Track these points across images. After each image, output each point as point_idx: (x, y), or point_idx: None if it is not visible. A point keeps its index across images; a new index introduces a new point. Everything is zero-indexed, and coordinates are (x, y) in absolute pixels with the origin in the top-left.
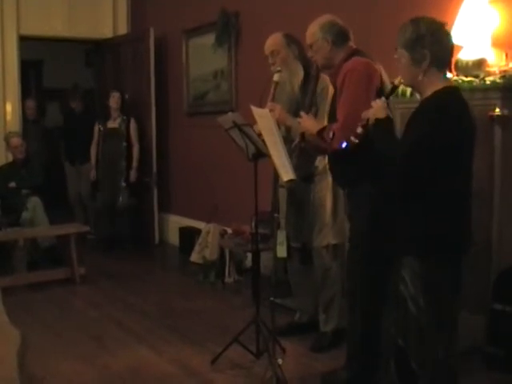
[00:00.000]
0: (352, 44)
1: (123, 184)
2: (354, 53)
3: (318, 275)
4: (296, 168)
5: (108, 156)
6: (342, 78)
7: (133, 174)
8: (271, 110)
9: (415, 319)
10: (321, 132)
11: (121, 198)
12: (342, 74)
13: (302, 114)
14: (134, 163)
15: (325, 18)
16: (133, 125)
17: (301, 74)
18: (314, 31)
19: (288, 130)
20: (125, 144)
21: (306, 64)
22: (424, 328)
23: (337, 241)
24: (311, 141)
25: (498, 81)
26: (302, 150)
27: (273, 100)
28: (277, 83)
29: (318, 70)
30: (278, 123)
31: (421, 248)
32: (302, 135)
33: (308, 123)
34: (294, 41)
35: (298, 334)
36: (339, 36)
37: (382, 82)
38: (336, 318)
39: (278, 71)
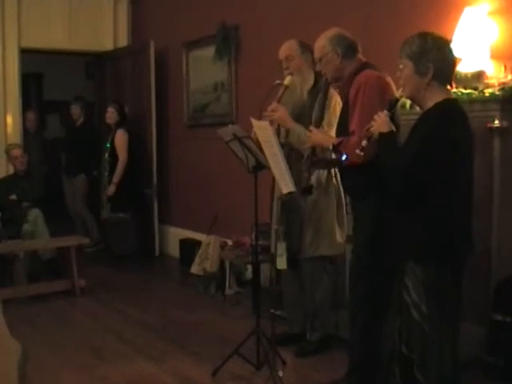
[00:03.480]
0: (361, 56)
1: (105, 198)
2: (365, 66)
3: (307, 286)
4: (306, 180)
5: (100, 169)
6: (354, 91)
7: (110, 188)
8: (274, 111)
9: (419, 326)
10: (337, 146)
11: (103, 212)
12: (354, 86)
13: (312, 128)
14: (114, 177)
15: (333, 31)
16: (118, 136)
17: (311, 81)
18: (322, 45)
19: (287, 134)
20: (108, 158)
21: (317, 73)
22: (428, 334)
23: (328, 252)
24: (321, 155)
25: (497, 93)
26: (313, 164)
27: (279, 102)
28: (286, 87)
29: (328, 84)
30: (279, 124)
31: (422, 252)
32: (313, 149)
33: (319, 137)
34: (307, 48)
35: (292, 344)
36: (348, 48)
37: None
38: (322, 327)
39: (290, 75)
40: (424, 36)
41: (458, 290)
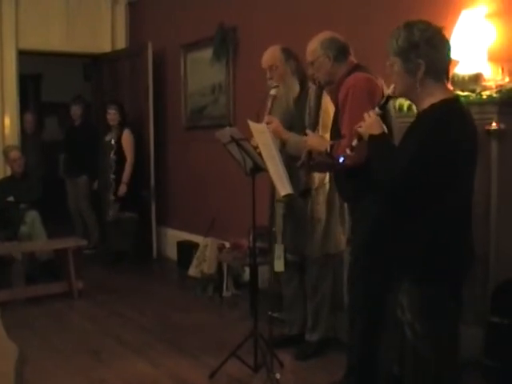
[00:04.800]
0: (353, 59)
1: (112, 198)
2: (355, 68)
3: (310, 285)
4: (303, 184)
5: (102, 169)
6: (344, 94)
7: (121, 189)
8: (268, 123)
9: (412, 346)
10: (330, 150)
11: (110, 212)
12: (343, 89)
13: (308, 131)
14: (124, 177)
15: (324, 35)
16: (126, 136)
17: (297, 89)
18: (314, 48)
19: (283, 143)
20: (114, 157)
21: (302, 79)
22: (420, 355)
23: (334, 250)
24: (318, 158)
25: (495, 95)
26: (311, 168)
27: (270, 113)
28: (274, 97)
29: (322, 88)
30: (274, 136)
31: (418, 274)
32: (309, 153)
33: (314, 141)
34: (291, 55)
35: (290, 346)
36: (340, 51)
37: (383, 97)
38: (323, 328)
39: (276, 86)
40: (410, 27)
41: (455, 308)
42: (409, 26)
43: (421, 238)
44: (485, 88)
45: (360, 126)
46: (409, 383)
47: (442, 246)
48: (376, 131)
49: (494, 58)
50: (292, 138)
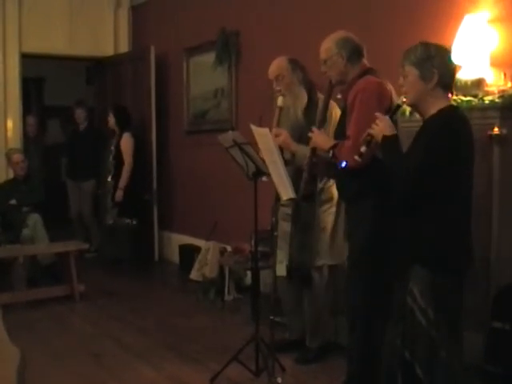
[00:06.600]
0: (366, 62)
1: (109, 203)
2: (368, 71)
3: (312, 292)
4: (306, 183)
5: (103, 174)
6: (353, 96)
7: (117, 194)
8: (277, 136)
9: (425, 332)
10: (333, 149)
11: (108, 218)
12: (353, 91)
13: (314, 129)
14: (120, 183)
15: (340, 34)
16: (125, 140)
17: (304, 99)
18: (328, 46)
19: (293, 155)
20: (112, 161)
21: (310, 89)
22: (435, 339)
23: (334, 262)
24: (322, 156)
25: (497, 100)
26: (314, 165)
27: (278, 125)
28: (281, 108)
29: (332, 87)
30: (283, 148)
31: (432, 259)
32: (314, 150)
33: (320, 138)
34: (298, 65)
35: (291, 351)
36: (354, 52)
37: (391, 103)
38: (323, 334)
39: (282, 96)
40: (426, 44)
41: (461, 294)
42: (425, 43)
43: (433, 229)
44: (487, 93)
45: (372, 129)
46: (423, 368)
47: (452, 236)
48: (389, 133)
49: (497, 63)
50: (301, 150)
